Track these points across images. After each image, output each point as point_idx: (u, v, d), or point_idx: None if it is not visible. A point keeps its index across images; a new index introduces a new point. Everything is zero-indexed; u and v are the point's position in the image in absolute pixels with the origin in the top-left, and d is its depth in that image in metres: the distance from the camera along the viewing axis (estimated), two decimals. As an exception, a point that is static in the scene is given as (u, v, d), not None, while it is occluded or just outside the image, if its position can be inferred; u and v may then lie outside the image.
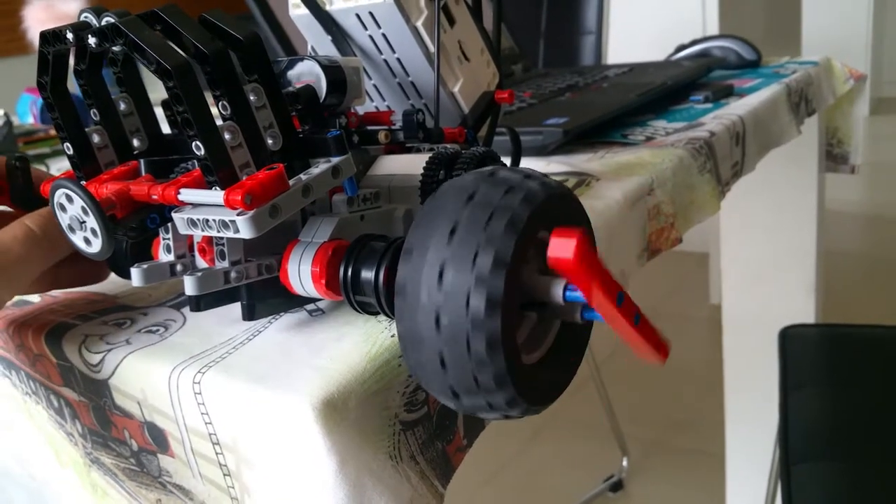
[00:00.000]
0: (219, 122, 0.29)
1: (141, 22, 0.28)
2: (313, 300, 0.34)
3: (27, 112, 1.18)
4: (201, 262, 0.32)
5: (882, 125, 3.83)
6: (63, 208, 0.31)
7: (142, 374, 0.33)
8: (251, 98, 0.29)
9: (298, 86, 0.35)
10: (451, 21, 0.42)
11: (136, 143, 0.35)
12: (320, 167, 0.31)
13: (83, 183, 0.33)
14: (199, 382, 0.31)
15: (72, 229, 0.31)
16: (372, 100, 0.46)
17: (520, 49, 0.96)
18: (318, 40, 0.43)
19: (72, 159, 0.34)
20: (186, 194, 0.29)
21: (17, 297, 0.41)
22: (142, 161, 0.34)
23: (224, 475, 0.32)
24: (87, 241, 0.31)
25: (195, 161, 0.31)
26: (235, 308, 0.32)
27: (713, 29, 1.99)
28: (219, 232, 0.28)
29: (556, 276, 0.27)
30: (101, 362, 0.34)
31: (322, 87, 0.35)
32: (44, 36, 0.31)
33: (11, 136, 0.96)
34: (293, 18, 0.43)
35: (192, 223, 0.29)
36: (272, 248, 0.32)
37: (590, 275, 0.23)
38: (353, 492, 0.28)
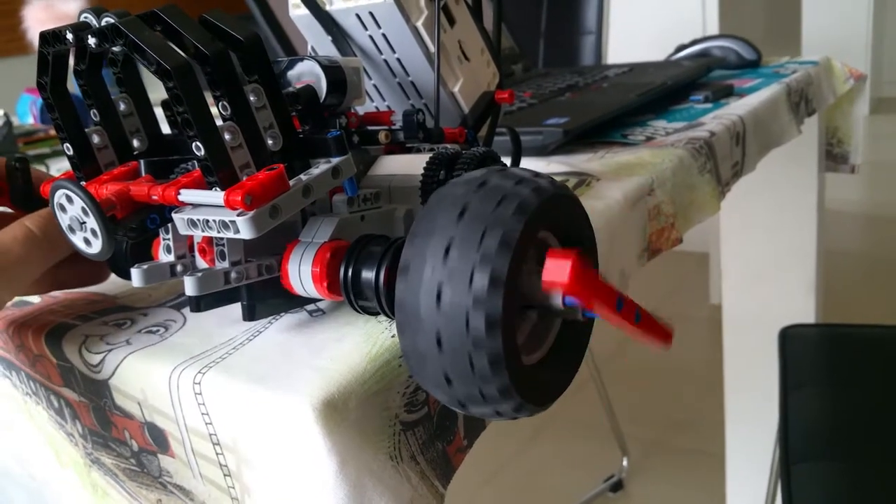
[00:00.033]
0: (219, 122, 0.29)
1: (141, 22, 0.28)
2: (314, 301, 0.34)
3: (27, 112, 1.18)
4: (201, 263, 0.32)
5: (882, 125, 3.83)
6: (63, 209, 0.31)
7: (142, 374, 0.33)
8: (251, 98, 0.29)
9: (298, 86, 0.35)
10: (452, 21, 0.42)
11: (136, 143, 0.35)
12: (320, 167, 0.31)
13: (83, 183, 0.33)
14: (199, 383, 0.31)
15: (72, 230, 0.31)
16: (372, 100, 0.46)
17: (520, 49, 0.96)
18: (318, 40, 0.43)
19: (72, 160, 0.34)
20: (186, 195, 0.29)
21: (16, 298, 0.41)
22: (142, 161, 0.34)
23: (224, 475, 0.32)
24: (87, 241, 0.31)
25: (195, 161, 0.31)
26: (236, 308, 0.32)
27: (713, 29, 1.99)
28: (219, 232, 0.28)
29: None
30: (101, 363, 0.34)
31: (322, 87, 0.35)
32: (44, 36, 0.31)
33: (11, 137, 0.96)
34: (293, 19, 0.43)
35: (193, 224, 0.29)
36: (272, 248, 0.32)
37: (587, 293, 0.23)
38: (353, 492, 0.28)
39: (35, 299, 0.41)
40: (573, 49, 1.37)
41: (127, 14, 0.29)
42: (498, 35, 0.46)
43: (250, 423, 0.30)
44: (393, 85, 0.44)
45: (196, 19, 0.29)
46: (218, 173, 0.28)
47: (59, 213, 0.31)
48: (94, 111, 0.34)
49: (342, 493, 0.28)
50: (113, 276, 0.40)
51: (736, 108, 0.67)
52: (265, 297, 0.32)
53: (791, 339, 0.97)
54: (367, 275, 0.29)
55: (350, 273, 0.30)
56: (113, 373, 0.33)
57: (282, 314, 0.35)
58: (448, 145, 0.39)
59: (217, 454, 0.31)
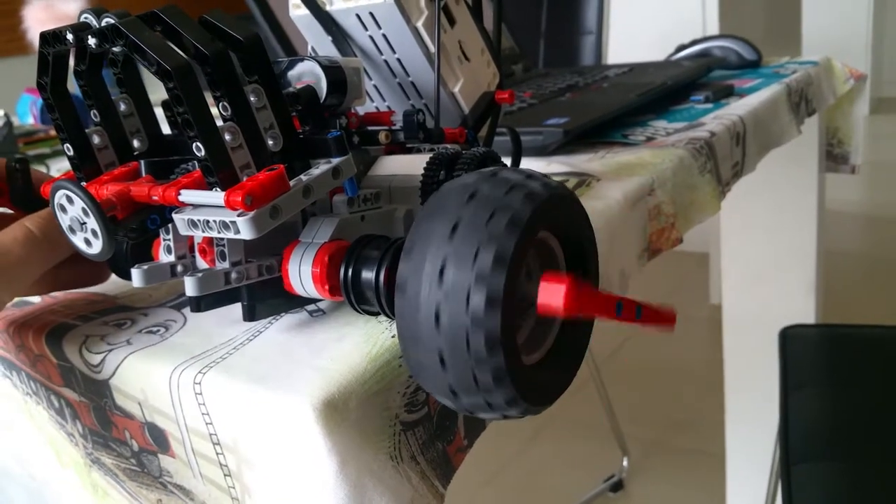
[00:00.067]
0: (219, 122, 0.29)
1: (141, 23, 0.28)
2: (314, 301, 0.34)
3: (27, 112, 1.18)
4: (202, 263, 0.32)
5: (882, 125, 3.83)
6: (63, 209, 0.31)
7: (142, 374, 0.33)
8: (251, 99, 0.29)
9: (299, 86, 0.35)
10: (452, 21, 0.42)
11: (136, 143, 0.35)
12: (321, 168, 0.31)
13: (83, 184, 0.33)
14: (199, 383, 0.31)
15: (72, 230, 0.31)
16: (372, 100, 0.46)
17: (520, 49, 0.96)
18: (318, 41, 0.43)
19: (72, 160, 0.34)
20: (187, 195, 0.29)
21: (17, 298, 0.41)
22: (142, 162, 0.34)
23: (225, 475, 0.32)
24: (87, 242, 0.31)
25: (195, 162, 0.31)
26: (236, 309, 0.32)
27: (713, 29, 1.99)
28: (219, 233, 0.28)
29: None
30: (101, 363, 0.34)
31: (322, 87, 0.35)
32: (44, 37, 0.31)
33: (11, 137, 0.96)
34: (293, 19, 0.43)
35: (193, 224, 0.29)
36: (273, 248, 0.32)
37: (584, 310, 0.23)
38: (353, 492, 0.28)
39: (35, 299, 0.41)
40: (573, 49, 1.37)
41: (127, 14, 0.29)
42: (498, 35, 0.46)
43: (251, 423, 0.30)
44: (393, 85, 0.44)
45: (196, 20, 0.29)
46: (218, 174, 0.28)
47: (59, 214, 0.31)
48: (95, 111, 0.34)
49: (342, 493, 0.28)
50: (113, 276, 0.40)
51: (736, 109, 0.67)
52: (265, 298, 0.32)
53: (791, 340, 0.97)
54: (368, 275, 0.29)
55: (350, 273, 0.30)
56: (113, 373, 0.33)
57: (282, 314, 0.35)
58: (448, 145, 0.39)
59: (217, 454, 0.31)
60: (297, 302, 0.34)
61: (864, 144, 1.03)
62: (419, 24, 0.40)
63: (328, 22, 0.42)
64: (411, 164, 0.35)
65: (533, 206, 0.25)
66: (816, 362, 0.93)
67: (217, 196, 0.28)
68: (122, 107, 0.35)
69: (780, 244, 1.05)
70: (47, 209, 0.34)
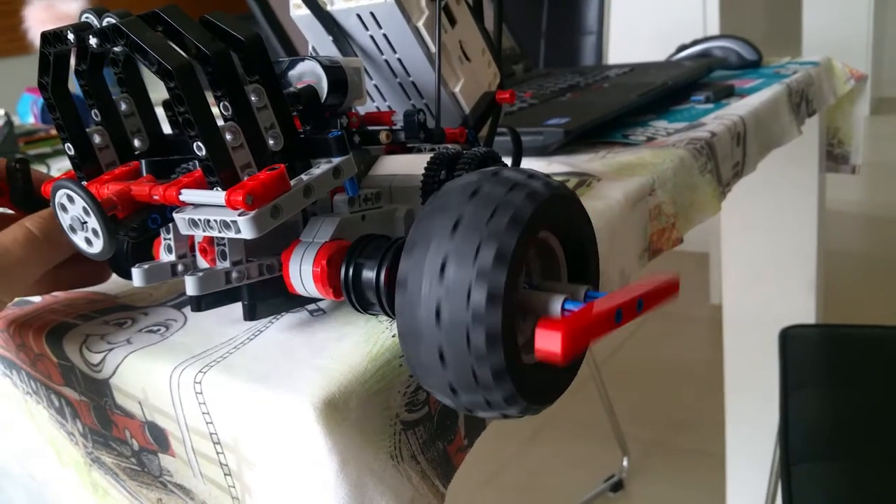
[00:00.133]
0: (220, 122, 0.29)
1: (142, 23, 0.28)
2: (314, 300, 0.34)
3: (28, 112, 1.18)
4: (202, 263, 0.32)
5: (882, 125, 3.82)
6: (64, 209, 0.31)
7: (143, 373, 0.33)
8: (252, 98, 0.29)
9: (300, 86, 0.35)
10: (452, 21, 0.42)
11: (137, 143, 0.35)
12: (321, 167, 0.31)
13: (84, 183, 0.33)
14: (200, 382, 0.31)
15: (73, 230, 0.31)
16: (373, 100, 0.46)
17: (521, 49, 0.96)
18: (319, 40, 0.43)
19: (73, 160, 0.34)
20: (188, 195, 0.29)
21: (17, 298, 0.41)
22: (143, 161, 0.34)
23: (225, 475, 0.32)
24: (88, 241, 0.31)
25: (196, 161, 0.31)
26: (236, 308, 0.32)
27: (714, 29, 1.99)
28: (220, 232, 0.28)
29: (554, 290, 0.27)
30: (101, 362, 0.34)
31: (323, 87, 0.36)
32: (45, 36, 0.31)
33: (12, 136, 0.96)
34: (294, 19, 0.43)
35: (194, 223, 0.29)
36: (273, 248, 0.32)
37: (584, 342, 0.23)
38: (354, 492, 0.28)
39: (36, 298, 0.41)
40: (574, 49, 1.37)
41: (128, 14, 0.29)
42: (499, 35, 0.46)
43: (251, 423, 0.30)
44: (394, 85, 0.44)
45: (197, 20, 0.29)
46: (219, 173, 0.28)
47: (60, 213, 0.31)
48: (96, 111, 0.34)
49: (343, 492, 0.28)
50: (114, 275, 0.40)
51: (737, 109, 0.67)
52: (266, 297, 0.32)
53: (791, 340, 0.97)
54: (368, 274, 0.29)
55: (351, 273, 0.30)
56: (114, 372, 0.33)
57: (282, 314, 0.35)
58: (449, 145, 0.39)
59: (218, 453, 0.31)
60: (297, 301, 0.34)
61: (864, 145, 1.03)
62: (420, 24, 0.40)
63: (329, 22, 0.42)
64: (412, 164, 0.35)
65: (535, 205, 0.25)
66: (816, 362, 0.93)
67: (218, 195, 0.28)
68: (123, 106, 0.35)
69: (780, 244, 1.05)
70: (48, 209, 0.34)
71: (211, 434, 0.31)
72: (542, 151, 0.58)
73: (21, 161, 0.37)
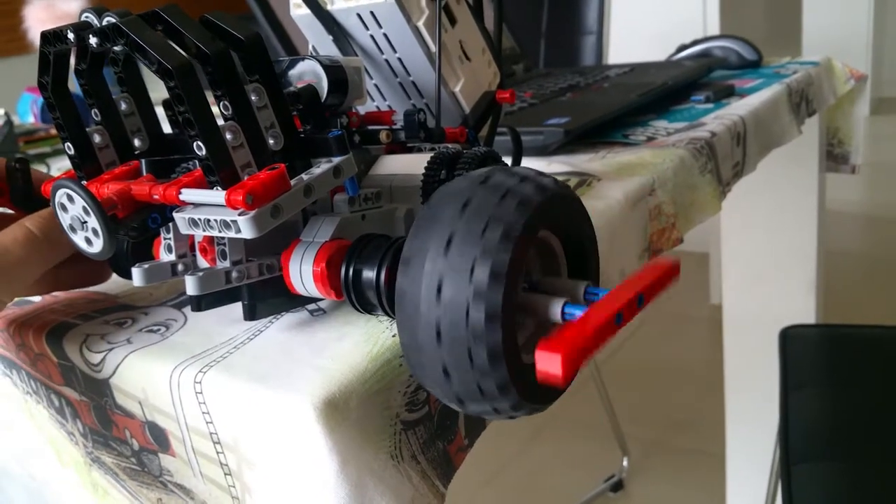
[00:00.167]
0: (220, 121, 0.29)
1: (142, 22, 0.28)
2: (314, 300, 0.34)
3: (28, 111, 1.18)
4: (202, 262, 0.32)
5: (882, 125, 3.82)
6: (64, 208, 0.31)
7: (143, 373, 0.33)
8: (252, 98, 0.29)
9: (300, 85, 0.35)
10: (453, 21, 0.42)
11: (137, 142, 0.35)
12: (322, 167, 0.31)
13: (84, 183, 0.33)
14: (200, 382, 0.31)
15: (73, 229, 0.31)
16: (373, 99, 0.46)
17: (521, 49, 0.96)
18: (319, 40, 0.43)
19: (73, 159, 0.34)
20: (188, 194, 0.29)
21: (17, 298, 0.41)
22: (143, 161, 0.34)
23: (225, 474, 0.32)
24: (88, 241, 0.31)
25: (196, 161, 0.31)
26: (236, 308, 0.32)
27: (714, 29, 1.99)
28: (220, 232, 0.28)
29: (553, 294, 0.27)
30: (102, 361, 0.34)
31: (323, 86, 0.35)
32: (45, 36, 0.31)
33: (12, 136, 0.96)
34: (294, 18, 0.43)
35: (194, 223, 0.29)
36: (273, 247, 0.32)
37: (586, 358, 0.23)
38: (354, 491, 0.28)
39: (36, 298, 0.41)
40: (574, 49, 1.37)
41: (128, 14, 0.29)
42: (499, 35, 0.46)
43: (251, 423, 0.30)
44: (394, 84, 0.44)
45: (197, 19, 0.29)
46: (219, 173, 0.28)
47: (60, 213, 0.31)
48: (96, 111, 0.34)
49: (343, 492, 0.28)
50: (114, 275, 0.40)
51: (737, 109, 0.67)
52: (266, 297, 0.32)
53: (791, 340, 0.97)
54: (368, 274, 0.29)
55: (351, 272, 0.30)
56: (114, 372, 0.33)
57: (282, 313, 0.35)
58: (449, 145, 0.39)
59: (218, 453, 0.31)
60: (297, 301, 0.34)
61: (864, 145, 1.03)
62: (420, 24, 0.40)
63: (329, 21, 0.42)
64: (412, 164, 0.35)
65: (527, 215, 0.25)
66: (816, 362, 0.93)
67: (218, 195, 0.28)
68: (123, 106, 0.35)
69: (780, 244, 1.05)
70: (48, 209, 0.34)
71: (211, 434, 0.31)
72: (542, 151, 0.58)
73: (21, 161, 0.37)
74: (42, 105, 1.15)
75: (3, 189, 0.38)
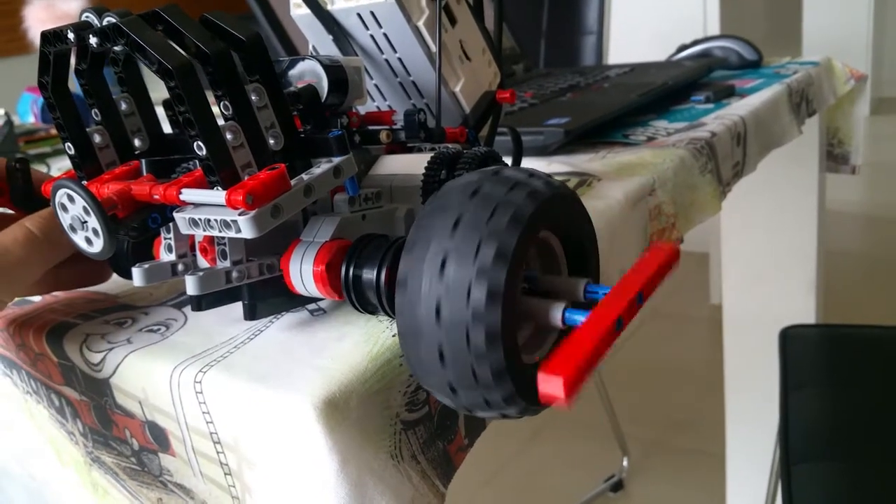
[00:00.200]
0: (220, 121, 0.29)
1: (142, 22, 0.28)
2: (315, 300, 0.34)
3: (28, 111, 1.18)
4: (203, 262, 0.32)
5: (882, 125, 3.82)
6: (64, 208, 0.31)
7: (143, 373, 0.33)
8: (253, 98, 0.29)
9: (300, 85, 0.35)
10: (453, 21, 0.42)
11: (137, 142, 0.35)
12: (322, 167, 0.31)
13: (84, 183, 0.33)
14: (200, 381, 0.31)
15: (73, 229, 0.31)
16: (373, 99, 0.46)
17: (521, 49, 0.96)
18: (319, 40, 0.43)
19: (73, 159, 0.34)
20: (188, 194, 0.29)
21: (17, 298, 0.41)
22: (143, 161, 0.34)
23: (225, 474, 0.32)
24: (88, 241, 0.31)
25: (197, 161, 0.31)
26: (237, 307, 0.32)
27: (714, 29, 1.99)
28: (220, 232, 0.28)
29: (554, 299, 0.27)
30: (102, 361, 0.34)
31: (323, 86, 0.35)
32: (45, 36, 0.31)
33: (12, 136, 0.96)
34: (294, 18, 0.43)
35: (194, 223, 0.29)
36: (274, 247, 0.32)
37: (588, 373, 0.23)
38: (354, 491, 0.28)
39: (36, 298, 0.41)
40: (574, 49, 1.37)
41: (128, 14, 0.29)
42: (499, 35, 0.46)
43: (251, 422, 0.30)
44: (394, 84, 0.44)
45: (197, 19, 0.29)
46: (219, 173, 0.28)
47: (60, 213, 0.31)
48: (96, 110, 0.34)
49: (343, 492, 0.28)
50: (114, 275, 0.40)
51: (737, 109, 0.67)
52: (266, 297, 0.32)
53: (791, 340, 0.97)
54: (369, 274, 0.29)
55: (351, 272, 0.30)
56: (114, 371, 0.33)
57: (283, 313, 0.35)
58: (449, 145, 0.39)
59: (218, 453, 0.31)
60: (297, 301, 0.34)
61: (864, 145, 1.03)
62: (420, 24, 0.40)
63: (329, 21, 0.42)
64: (412, 164, 0.35)
65: (535, 204, 0.25)
66: (816, 362, 0.93)
67: (218, 195, 0.28)
68: (124, 106, 0.35)
69: (780, 244, 1.05)
70: (48, 209, 0.34)
71: (211, 433, 0.31)
72: (543, 151, 0.58)
73: (21, 161, 0.37)
74: (42, 105, 1.15)
75: (3, 189, 0.38)
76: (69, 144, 0.33)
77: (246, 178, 0.29)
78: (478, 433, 0.34)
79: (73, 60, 0.33)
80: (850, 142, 1.00)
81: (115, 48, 0.31)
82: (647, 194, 0.49)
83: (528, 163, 0.54)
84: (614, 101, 0.67)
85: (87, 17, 0.31)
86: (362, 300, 0.30)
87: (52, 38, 0.31)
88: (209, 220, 0.28)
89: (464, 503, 1.48)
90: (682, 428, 1.63)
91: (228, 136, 0.29)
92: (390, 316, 0.30)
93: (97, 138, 0.34)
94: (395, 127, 0.38)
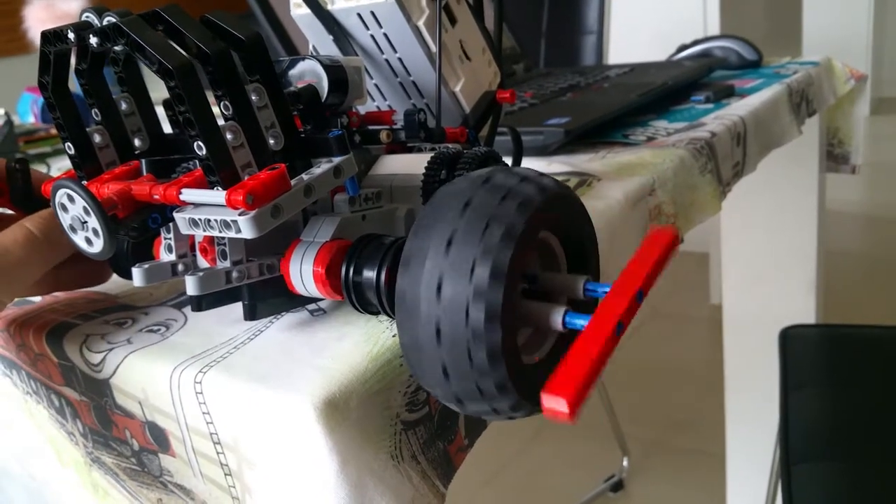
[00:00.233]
0: (220, 121, 0.29)
1: (143, 22, 0.28)
2: (315, 300, 0.34)
3: (28, 111, 1.18)
4: (203, 262, 0.32)
5: (882, 125, 3.82)
6: (64, 208, 0.31)
7: (143, 373, 0.33)
8: (253, 98, 0.29)
9: (300, 85, 0.35)
10: (453, 20, 0.42)
11: (137, 142, 0.35)
12: (322, 167, 0.31)
13: (84, 183, 0.33)
14: (200, 382, 0.31)
15: (73, 229, 0.31)
16: (373, 99, 0.46)
17: (521, 49, 0.96)
18: (319, 40, 0.43)
19: (73, 159, 0.34)
20: (188, 194, 0.29)
21: (17, 298, 0.41)
22: (143, 161, 0.34)
23: (225, 475, 0.32)
24: (88, 241, 0.31)
25: (197, 161, 0.31)
26: (237, 308, 0.32)
27: (714, 29, 1.99)
28: (220, 232, 0.28)
29: (554, 302, 0.27)
30: (102, 362, 0.34)
31: (324, 86, 0.35)
32: (45, 36, 0.31)
33: (12, 136, 0.96)
34: (295, 18, 0.43)
35: (194, 223, 0.29)
36: (274, 247, 0.32)
37: (593, 383, 0.23)
38: (354, 492, 0.28)
39: (36, 298, 0.41)
40: (574, 49, 1.37)
41: (129, 13, 0.29)
42: (499, 35, 0.46)
43: (251, 423, 0.30)
44: (394, 84, 0.44)
45: (198, 19, 0.29)
46: (220, 173, 0.28)
47: (60, 213, 0.31)
48: (96, 110, 0.34)
49: (343, 492, 0.28)
50: (114, 275, 0.40)
51: (737, 109, 0.67)
52: (266, 297, 0.32)
53: (791, 340, 0.97)
54: (369, 274, 0.29)
55: (351, 272, 0.30)
56: (114, 372, 0.33)
57: (283, 313, 0.35)
58: (449, 145, 0.39)
59: (218, 453, 0.31)
60: (297, 301, 0.34)
61: (864, 145, 1.03)
62: (420, 24, 0.40)
63: (329, 21, 0.42)
64: (412, 164, 0.35)
65: (528, 215, 0.25)
66: (816, 362, 0.93)
67: (218, 195, 0.28)
68: (124, 105, 0.35)
69: (780, 244, 1.05)
70: (48, 209, 0.34)
71: (211, 434, 0.31)
72: (543, 151, 0.58)
73: (21, 161, 0.37)
74: (42, 105, 1.15)
75: (3, 189, 0.38)
76: (69, 144, 0.33)
77: (246, 178, 0.29)
78: (478, 433, 0.34)
79: (73, 60, 0.33)
80: (850, 142, 1.00)
81: (116, 48, 0.31)
82: (647, 194, 0.49)
83: (528, 163, 0.54)
84: (614, 101, 0.67)
85: (87, 16, 0.31)
86: (362, 300, 0.30)
87: (52, 37, 0.31)
88: (209, 221, 0.28)
89: (464, 503, 1.48)
90: (682, 428, 1.63)
91: (228, 136, 0.28)
92: (390, 316, 0.30)
93: (97, 138, 0.34)
94: (395, 127, 0.38)
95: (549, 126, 0.58)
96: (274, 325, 0.34)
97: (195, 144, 0.28)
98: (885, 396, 0.86)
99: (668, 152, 0.54)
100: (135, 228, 0.31)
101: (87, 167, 0.34)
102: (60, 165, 0.90)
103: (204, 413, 0.31)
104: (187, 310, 0.37)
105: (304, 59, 0.36)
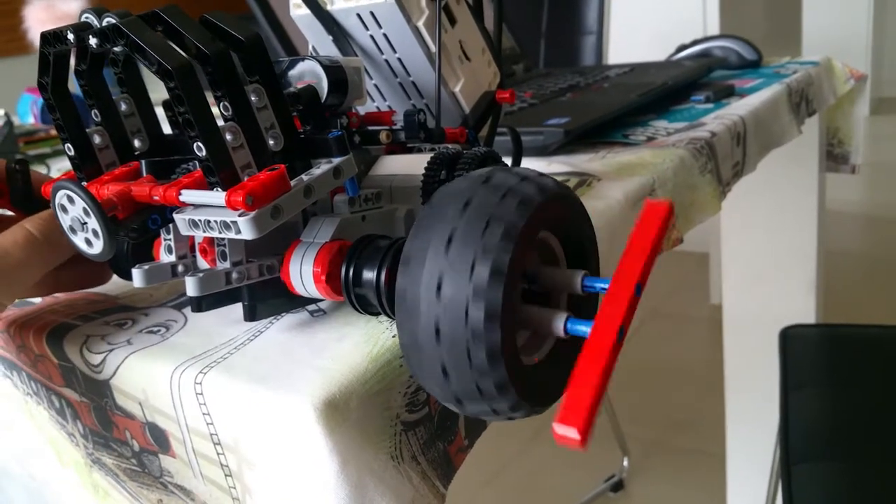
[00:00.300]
0: (220, 122, 0.29)
1: (142, 23, 0.28)
2: (315, 301, 0.34)
3: (28, 112, 1.18)
4: (203, 263, 0.32)
5: (882, 125, 3.82)
6: (64, 209, 0.31)
7: (143, 374, 0.33)
8: (252, 99, 0.29)
9: (300, 86, 0.35)
10: (453, 21, 0.42)
11: (137, 143, 0.35)
12: (322, 168, 0.31)
13: (84, 184, 0.33)
14: (200, 383, 0.31)
15: (73, 230, 0.31)
16: (373, 100, 0.46)
17: (521, 49, 0.96)
18: (319, 40, 0.43)
19: (73, 160, 0.34)
20: (188, 195, 0.29)
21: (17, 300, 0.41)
22: (143, 162, 0.34)
23: (225, 475, 0.32)
24: (88, 242, 0.31)
25: (196, 162, 0.31)
26: (237, 308, 0.32)
27: (714, 29, 1.99)
28: (220, 233, 0.28)
29: (556, 308, 0.27)
30: (102, 363, 0.34)
31: (323, 87, 0.35)
32: (45, 36, 0.31)
33: (12, 137, 0.96)
34: (294, 18, 0.43)
35: (194, 224, 0.29)
36: (274, 248, 0.32)
37: (600, 399, 0.23)
38: (354, 492, 0.28)
39: (36, 300, 0.41)
40: (574, 49, 1.37)
41: (128, 14, 0.29)
42: (499, 35, 0.46)
43: (251, 423, 0.30)
44: (394, 85, 0.44)
45: (197, 19, 0.29)
46: (219, 174, 0.28)
47: (60, 214, 0.31)
48: (96, 111, 0.34)
49: (343, 493, 0.28)
50: (114, 276, 0.40)
51: (737, 109, 0.67)
52: (266, 298, 0.32)
53: (791, 339, 0.97)
54: (369, 275, 0.29)
55: (351, 273, 0.30)
56: (114, 373, 0.33)
57: (283, 314, 0.35)
58: (449, 145, 0.39)
59: (218, 454, 0.31)
60: (297, 302, 0.34)
61: (864, 144, 1.03)
62: (420, 24, 0.40)
63: (329, 21, 0.42)
64: (412, 164, 0.35)
65: (528, 214, 0.25)
66: (816, 362, 0.93)
67: (218, 196, 0.28)
68: (123, 106, 0.35)
69: (780, 244, 1.05)
70: (47, 211, 0.34)
71: (211, 435, 0.31)
72: (543, 151, 0.58)
73: (21, 162, 0.37)
74: (42, 106, 1.15)
75: (2, 190, 0.38)
76: (69, 145, 0.33)
77: (246, 178, 0.29)
78: (478, 434, 0.34)
79: (72, 61, 0.33)
80: (850, 141, 1.00)
81: (115, 49, 0.31)
82: (647, 194, 0.49)
83: (527, 163, 0.54)
84: (614, 101, 0.67)
85: (86, 17, 0.31)
86: (362, 301, 0.30)
87: (51, 38, 0.31)
88: (209, 222, 0.28)
89: (464, 503, 1.48)
90: (682, 428, 1.63)
91: (228, 137, 0.28)
92: (390, 317, 0.30)
93: (97, 139, 0.34)
94: (394, 127, 0.38)
95: (548, 126, 0.58)
96: (274, 325, 0.34)
97: (195, 145, 0.28)
98: (885, 396, 0.86)
99: (668, 152, 0.54)
100: (134, 229, 0.31)
101: (86, 168, 0.34)
102: (60, 166, 0.90)
103: (204, 414, 0.31)
104: (187, 311, 0.37)
105: (303, 59, 0.36)
